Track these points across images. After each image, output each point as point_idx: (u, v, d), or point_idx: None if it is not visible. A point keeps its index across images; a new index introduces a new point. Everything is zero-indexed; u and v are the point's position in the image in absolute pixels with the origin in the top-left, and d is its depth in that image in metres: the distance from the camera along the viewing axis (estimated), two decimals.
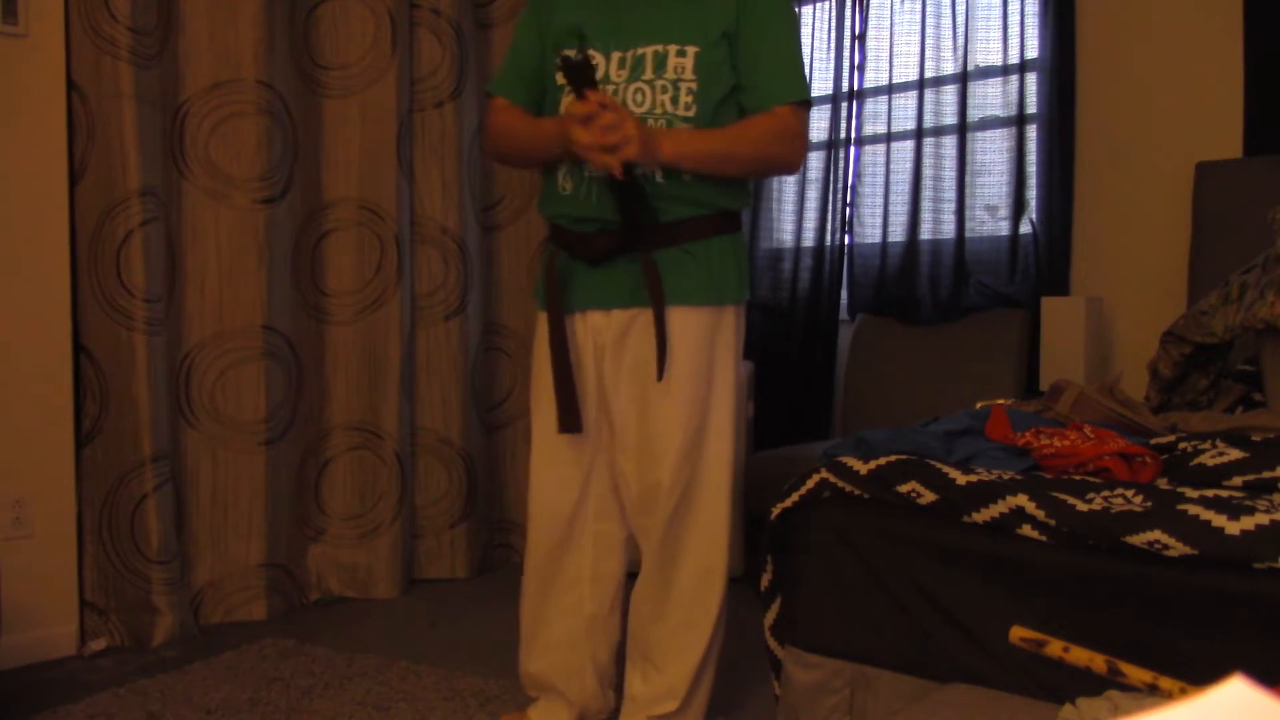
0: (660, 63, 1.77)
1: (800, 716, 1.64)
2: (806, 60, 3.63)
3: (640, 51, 1.78)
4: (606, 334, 1.84)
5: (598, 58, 1.79)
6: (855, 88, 3.53)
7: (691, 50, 1.76)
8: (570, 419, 1.84)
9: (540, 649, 1.97)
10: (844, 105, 3.54)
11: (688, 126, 1.77)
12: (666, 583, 1.90)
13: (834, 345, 3.56)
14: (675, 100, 1.77)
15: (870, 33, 3.53)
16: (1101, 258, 3.11)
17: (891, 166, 3.44)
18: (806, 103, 1.85)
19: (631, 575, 1.98)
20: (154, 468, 2.56)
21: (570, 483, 1.91)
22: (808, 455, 2.84)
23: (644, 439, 1.84)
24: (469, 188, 3.30)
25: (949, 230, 3.33)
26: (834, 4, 3.57)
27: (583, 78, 1.65)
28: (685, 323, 1.81)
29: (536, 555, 1.95)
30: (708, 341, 1.83)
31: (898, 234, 3.44)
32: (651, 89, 1.77)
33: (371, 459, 3.08)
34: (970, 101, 3.28)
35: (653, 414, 1.82)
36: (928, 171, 3.37)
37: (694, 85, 1.77)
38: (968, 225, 3.30)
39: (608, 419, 1.88)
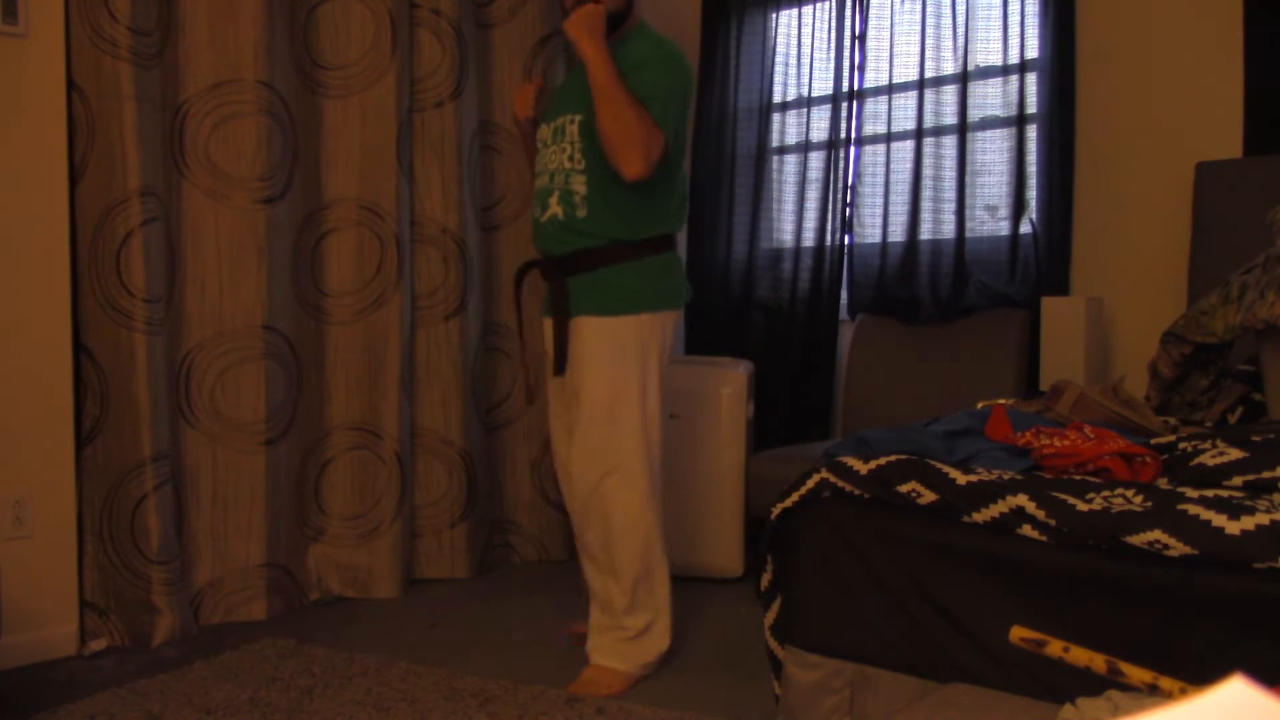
0: (561, 130, 2.33)
1: (800, 716, 1.64)
2: (807, 60, 3.65)
3: (556, 122, 2.35)
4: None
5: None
6: (855, 88, 3.53)
7: (577, 118, 2.28)
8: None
9: None
10: (844, 105, 3.54)
11: (581, 178, 2.27)
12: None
13: (834, 345, 3.57)
14: (571, 157, 2.29)
15: (870, 33, 3.53)
16: (1101, 258, 3.11)
17: (891, 166, 3.44)
18: (664, 135, 2.19)
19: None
20: (154, 467, 2.56)
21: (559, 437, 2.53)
22: (808, 455, 2.84)
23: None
24: (469, 188, 3.30)
25: (949, 230, 3.33)
26: (834, 4, 3.57)
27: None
28: (592, 327, 2.29)
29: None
30: (616, 341, 2.28)
31: (898, 234, 3.44)
32: (559, 150, 2.32)
33: (371, 459, 3.08)
34: (970, 101, 3.28)
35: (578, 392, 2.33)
36: (928, 171, 3.37)
37: (580, 144, 2.27)
38: (968, 225, 3.30)
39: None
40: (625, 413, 2.27)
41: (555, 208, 2.31)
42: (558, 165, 2.32)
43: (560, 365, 2.34)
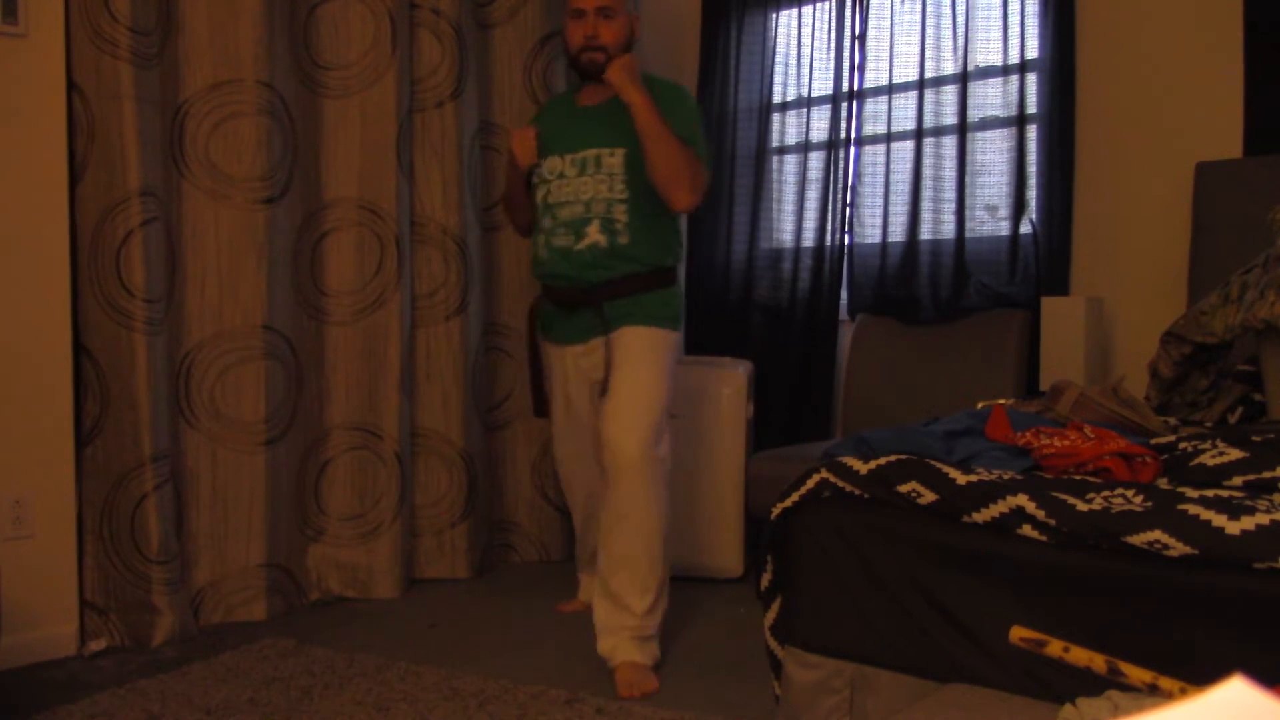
0: (595, 162, 2.45)
1: (800, 716, 1.64)
2: (807, 60, 3.65)
3: (582, 154, 2.47)
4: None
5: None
6: (855, 88, 3.53)
7: (619, 151, 2.43)
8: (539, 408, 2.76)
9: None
10: (844, 105, 3.54)
11: (623, 207, 2.42)
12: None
13: (834, 345, 3.56)
14: (612, 188, 2.43)
15: (870, 33, 3.53)
16: (1101, 258, 3.11)
17: (891, 166, 3.44)
18: (707, 169, 2.43)
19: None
20: (154, 467, 2.56)
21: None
22: (808, 455, 2.84)
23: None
24: (469, 188, 3.30)
25: (949, 230, 3.33)
26: (834, 4, 3.57)
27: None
28: (635, 334, 2.44)
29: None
30: (655, 346, 2.45)
31: (898, 234, 3.44)
32: (595, 181, 2.45)
33: (371, 459, 3.08)
34: (970, 101, 3.28)
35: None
36: (928, 171, 3.37)
37: (624, 176, 2.43)
38: (968, 225, 3.30)
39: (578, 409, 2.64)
40: (658, 409, 2.39)
41: (596, 235, 2.43)
42: (594, 194, 2.44)
43: (604, 387, 2.44)
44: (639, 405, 2.35)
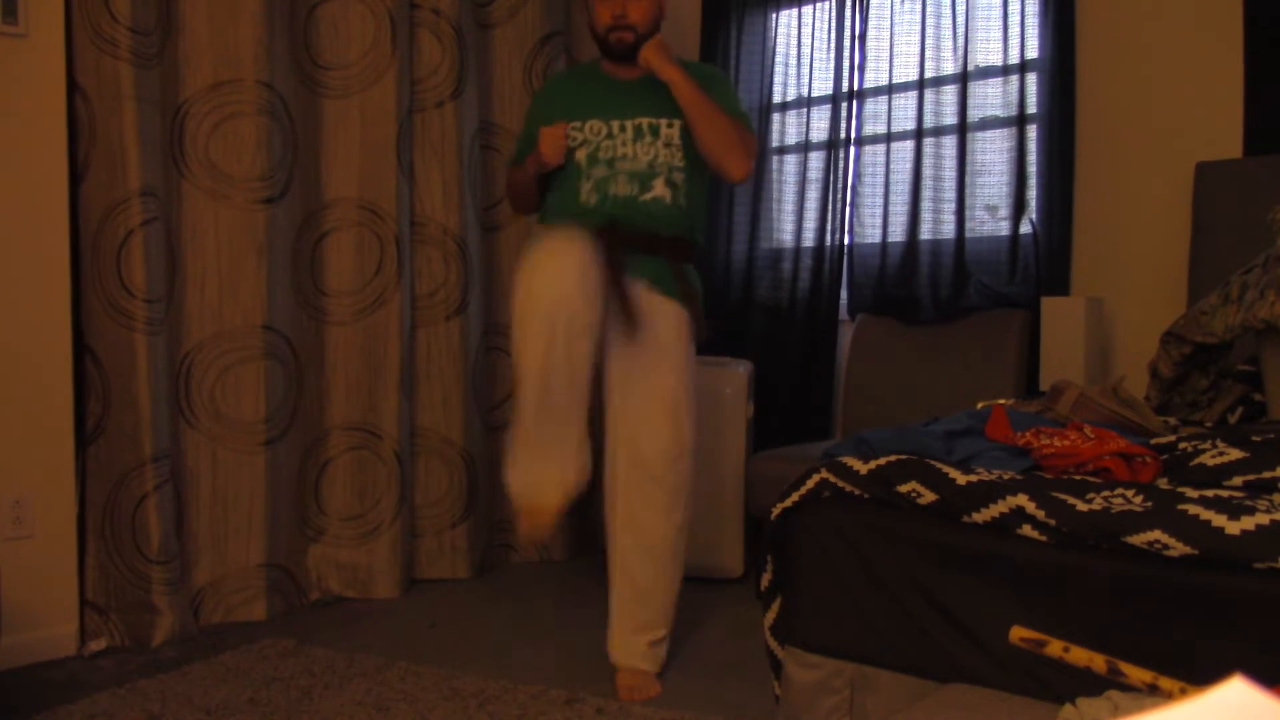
0: (653, 130, 2.39)
1: (800, 716, 1.64)
2: (807, 60, 3.65)
3: (634, 121, 2.39)
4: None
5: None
6: (855, 88, 3.53)
7: (676, 122, 2.39)
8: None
9: None
10: (844, 105, 3.54)
11: (682, 174, 2.39)
12: None
13: (834, 345, 3.56)
14: (673, 155, 2.39)
15: (870, 33, 3.53)
16: (1101, 258, 3.11)
17: (891, 166, 3.44)
18: (752, 132, 2.43)
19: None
20: (154, 467, 2.56)
21: None
22: (808, 455, 2.84)
23: None
24: (469, 188, 3.30)
25: (949, 230, 3.33)
26: (834, 4, 3.57)
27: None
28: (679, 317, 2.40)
29: None
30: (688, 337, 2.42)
31: (898, 234, 3.44)
32: (653, 145, 2.38)
33: (371, 459, 3.08)
34: (970, 101, 3.28)
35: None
36: (928, 171, 3.36)
37: (681, 145, 2.39)
38: (968, 225, 3.30)
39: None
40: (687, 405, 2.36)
41: (662, 189, 2.37)
42: (656, 156, 2.37)
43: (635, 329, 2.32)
44: (668, 405, 2.30)
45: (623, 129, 2.38)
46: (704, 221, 2.54)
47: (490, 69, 3.44)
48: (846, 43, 3.54)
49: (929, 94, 3.36)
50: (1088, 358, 2.84)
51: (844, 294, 3.57)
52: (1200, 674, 1.13)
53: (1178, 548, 1.26)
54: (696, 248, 2.49)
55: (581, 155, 2.40)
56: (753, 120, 2.46)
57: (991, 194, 3.29)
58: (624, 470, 2.32)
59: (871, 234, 3.50)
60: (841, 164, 3.54)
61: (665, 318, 2.34)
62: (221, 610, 2.78)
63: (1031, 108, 3.17)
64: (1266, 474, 1.39)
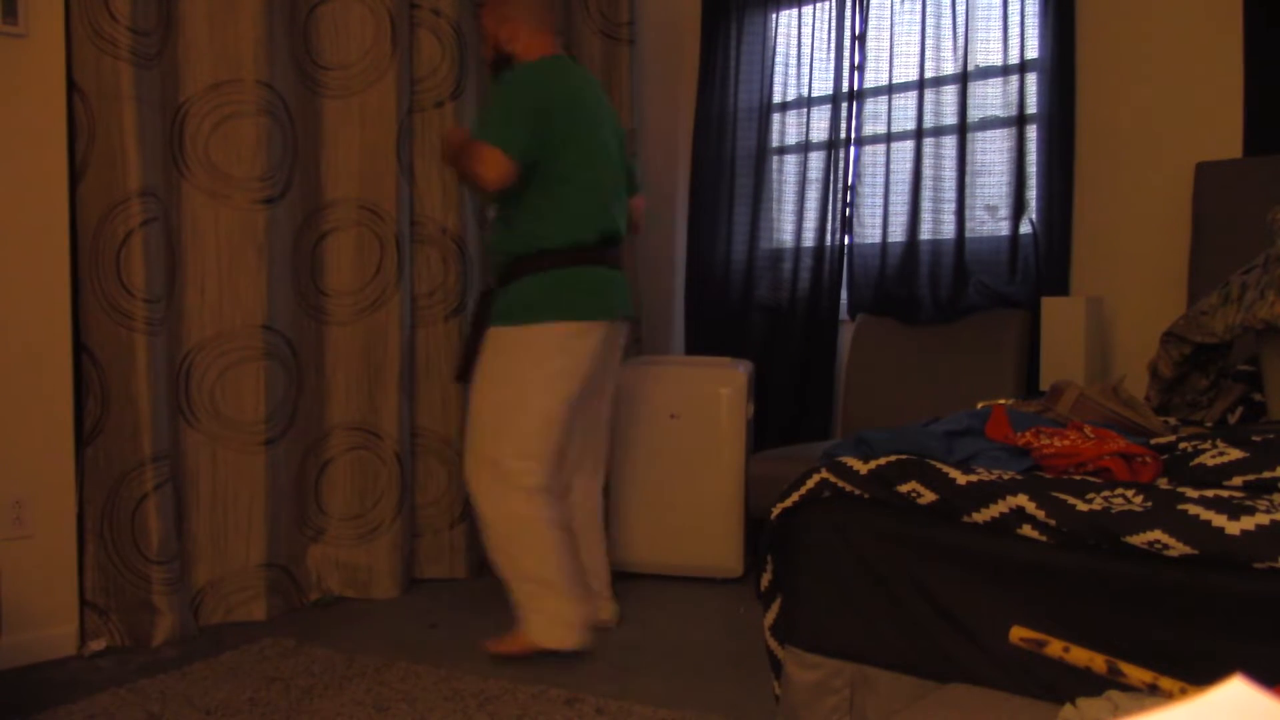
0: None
1: (800, 716, 1.64)
2: (807, 60, 3.65)
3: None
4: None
5: None
6: (855, 88, 3.53)
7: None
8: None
9: None
10: (844, 105, 3.54)
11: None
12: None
13: (834, 345, 3.56)
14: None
15: (870, 33, 3.53)
16: (1101, 258, 3.11)
17: (891, 166, 3.44)
18: (499, 147, 2.37)
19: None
20: (154, 467, 2.56)
21: None
22: (808, 455, 2.84)
23: None
24: (469, 188, 3.30)
25: (949, 230, 3.33)
26: (834, 4, 3.57)
27: None
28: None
29: None
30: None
31: (898, 234, 3.44)
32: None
33: (371, 459, 3.08)
34: (970, 101, 3.28)
35: None
36: (928, 171, 3.37)
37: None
38: (968, 225, 3.30)
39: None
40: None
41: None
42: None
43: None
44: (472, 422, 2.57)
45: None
46: (534, 221, 2.53)
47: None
48: (846, 43, 3.54)
49: (929, 94, 3.36)
50: (1088, 358, 2.84)
51: (844, 294, 3.57)
52: (1200, 674, 1.13)
53: (1178, 548, 1.26)
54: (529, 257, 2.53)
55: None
56: (502, 130, 2.40)
57: (991, 194, 3.29)
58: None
59: (871, 234, 3.50)
60: (841, 164, 3.54)
61: (489, 343, 2.55)
62: (221, 610, 2.78)
63: (1031, 108, 3.17)
64: (1266, 474, 1.39)
